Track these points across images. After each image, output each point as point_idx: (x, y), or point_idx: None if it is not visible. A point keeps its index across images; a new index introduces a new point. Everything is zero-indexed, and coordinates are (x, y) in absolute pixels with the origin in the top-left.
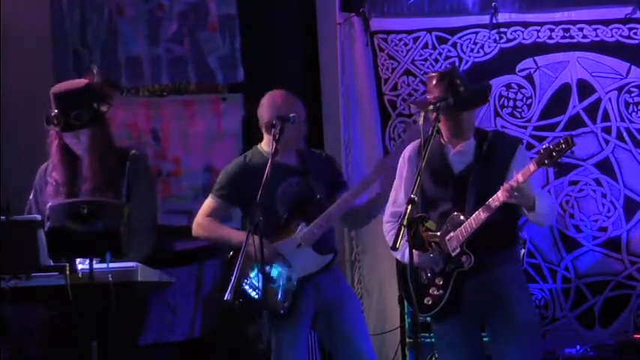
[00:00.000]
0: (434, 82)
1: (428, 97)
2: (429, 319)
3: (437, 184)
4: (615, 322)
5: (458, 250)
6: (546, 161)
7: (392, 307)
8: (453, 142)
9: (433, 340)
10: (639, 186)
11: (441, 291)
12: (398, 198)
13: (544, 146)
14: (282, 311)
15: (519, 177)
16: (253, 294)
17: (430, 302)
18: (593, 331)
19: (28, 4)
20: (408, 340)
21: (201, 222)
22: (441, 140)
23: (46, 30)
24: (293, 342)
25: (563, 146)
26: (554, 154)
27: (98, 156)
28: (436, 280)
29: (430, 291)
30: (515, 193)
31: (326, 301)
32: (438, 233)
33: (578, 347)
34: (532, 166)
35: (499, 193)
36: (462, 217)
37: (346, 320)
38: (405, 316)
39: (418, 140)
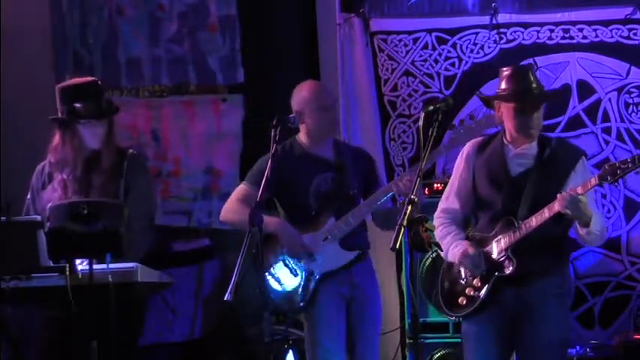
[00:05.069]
0: (506, 74)
1: (498, 90)
2: (459, 319)
3: (492, 184)
4: (615, 322)
5: (503, 254)
6: (609, 177)
7: (392, 307)
8: (516, 142)
9: (460, 340)
10: (639, 186)
11: (477, 292)
12: (451, 194)
13: (610, 163)
14: (300, 304)
15: (579, 189)
16: (276, 286)
17: (464, 302)
18: (593, 332)
19: (28, 4)
20: (408, 340)
21: (232, 207)
22: (504, 139)
23: (46, 30)
24: (326, 325)
25: (630, 165)
26: (618, 171)
27: (114, 147)
28: (474, 282)
29: (466, 291)
30: (572, 206)
31: (360, 291)
32: (490, 234)
33: (578, 347)
34: (593, 180)
35: (555, 202)
36: (514, 222)
37: (370, 319)
38: (405, 317)
39: (480, 138)
